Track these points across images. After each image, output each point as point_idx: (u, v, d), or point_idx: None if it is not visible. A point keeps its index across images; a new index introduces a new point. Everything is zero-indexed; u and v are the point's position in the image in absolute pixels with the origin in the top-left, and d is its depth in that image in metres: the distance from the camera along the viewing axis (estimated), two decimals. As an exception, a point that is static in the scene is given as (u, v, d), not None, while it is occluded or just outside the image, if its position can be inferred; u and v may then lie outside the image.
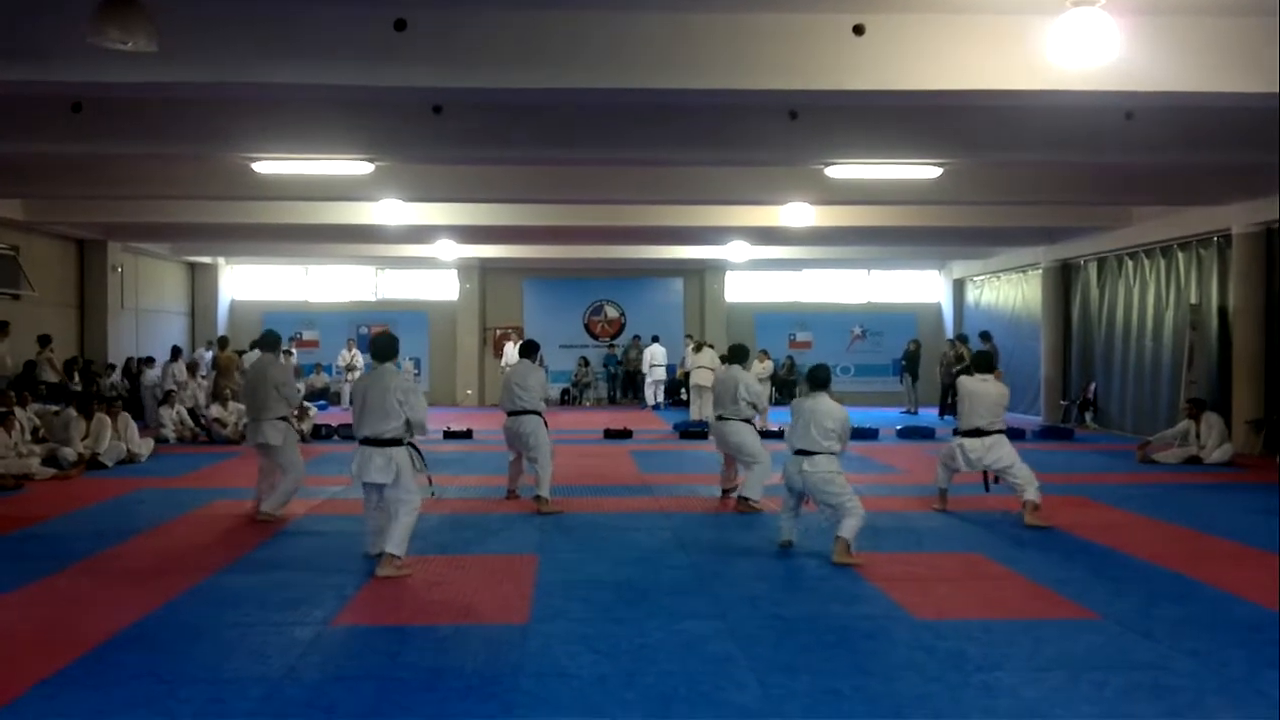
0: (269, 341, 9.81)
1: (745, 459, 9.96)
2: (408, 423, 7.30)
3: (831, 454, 7.70)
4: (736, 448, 10.01)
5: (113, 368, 18.98)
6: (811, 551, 7.82)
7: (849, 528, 7.50)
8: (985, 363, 9.99)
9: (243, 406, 17.44)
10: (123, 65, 7.23)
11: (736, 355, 10.64)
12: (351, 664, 5.30)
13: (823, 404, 7.79)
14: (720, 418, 10.18)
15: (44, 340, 16.71)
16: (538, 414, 10.06)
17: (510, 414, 10.10)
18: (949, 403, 21.74)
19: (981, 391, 9.46)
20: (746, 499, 9.75)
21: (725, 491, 10.41)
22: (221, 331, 24.59)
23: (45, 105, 9.73)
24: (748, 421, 10.04)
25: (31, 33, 7.41)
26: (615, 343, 26.04)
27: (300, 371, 21.65)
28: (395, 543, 7.10)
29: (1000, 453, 9.29)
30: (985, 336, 21.45)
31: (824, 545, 7.72)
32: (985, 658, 5.30)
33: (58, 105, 9.65)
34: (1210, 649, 5.46)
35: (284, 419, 9.37)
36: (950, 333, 25.11)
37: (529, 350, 10.68)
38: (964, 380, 9.71)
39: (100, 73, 7.46)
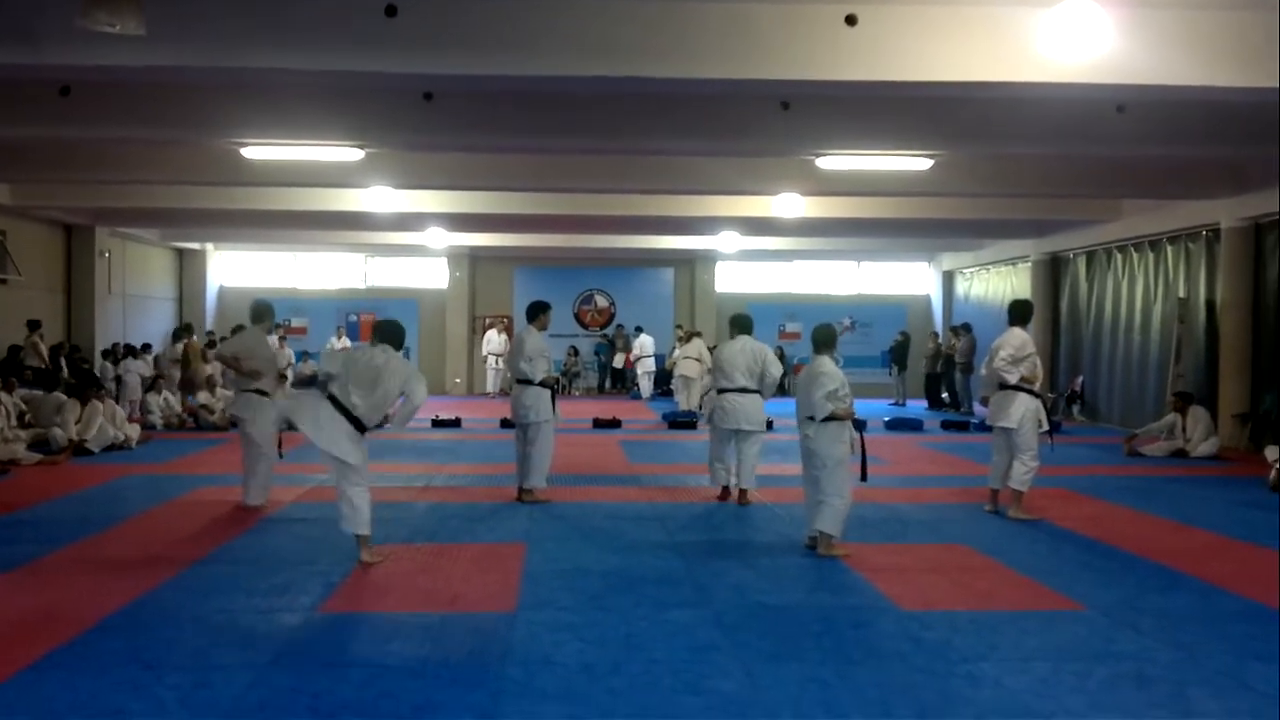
0: (254, 312, 9.49)
1: (746, 434, 9.51)
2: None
3: (833, 422, 7.41)
4: (749, 419, 9.42)
5: (74, 349, 18.27)
6: (797, 541, 7.83)
7: (827, 521, 7.40)
8: (1019, 312, 9.18)
9: (229, 393, 17.37)
10: (111, 48, 7.17)
11: (742, 325, 9.83)
12: (338, 651, 5.30)
13: (817, 366, 7.54)
14: (721, 390, 9.67)
15: (33, 325, 16.64)
16: (542, 385, 9.54)
17: (516, 381, 9.71)
18: (939, 394, 21.84)
19: (995, 344, 9.00)
20: (744, 490, 9.61)
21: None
22: (210, 318, 24.58)
23: (33, 88, 9.66)
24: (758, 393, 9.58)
25: (19, 15, 7.36)
26: (606, 332, 26.05)
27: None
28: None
29: (1009, 410, 8.81)
30: (965, 328, 21.45)
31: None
32: (971, 648, 5.32)
33: (45, 88, 9.58)
34: (1194, 641, 5.50)
35: (258, 392, 9.05)
36: (940, 325, 25.17)
37: (530, 312, 9.90)
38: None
39: (88, 56, 7.41)
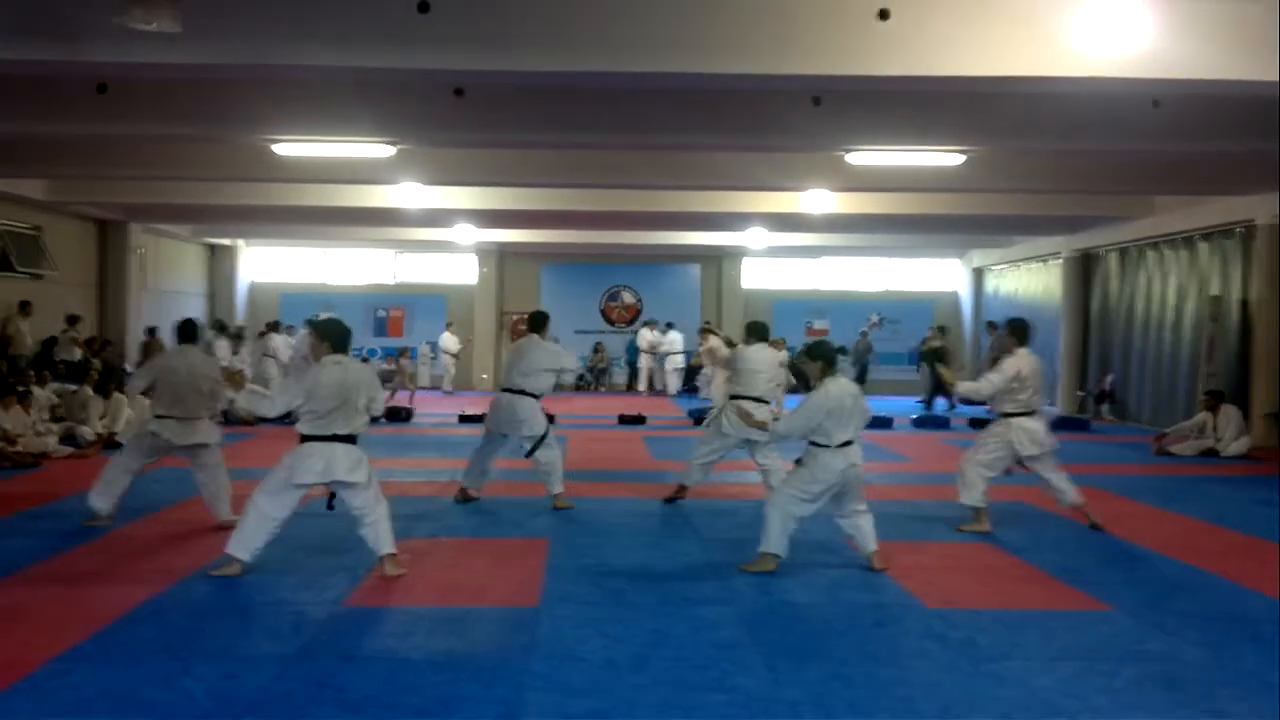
0: (188, 332, 8.78)
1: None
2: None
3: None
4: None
5: (105, 343, 18.14)
6: (821, 539, 7.79)
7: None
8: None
9: (257, 388, 17.37)
10: (147, 46, 7.23)
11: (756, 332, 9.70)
12: (363, 644, 5.34)
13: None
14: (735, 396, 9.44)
15: (72, 319, 16.84)
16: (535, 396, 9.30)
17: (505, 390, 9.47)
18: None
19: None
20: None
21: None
22: (241, 313, 24.76)
23: (70, 86, 9.76)
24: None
25: (57, 13, 7.43)
26: (635, 329, 25.90)
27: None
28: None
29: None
30: (992, 326, 21.29)
31: (829, 533, 7.56)
32: (996, 647, 5.30)
33: (82, 86, 9.67)
34: (1222, 642, 5.45)
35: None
36: (968, 322, 25.08)
37: (538, 322, 9.58)
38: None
39: (125, 53, 7.46)
